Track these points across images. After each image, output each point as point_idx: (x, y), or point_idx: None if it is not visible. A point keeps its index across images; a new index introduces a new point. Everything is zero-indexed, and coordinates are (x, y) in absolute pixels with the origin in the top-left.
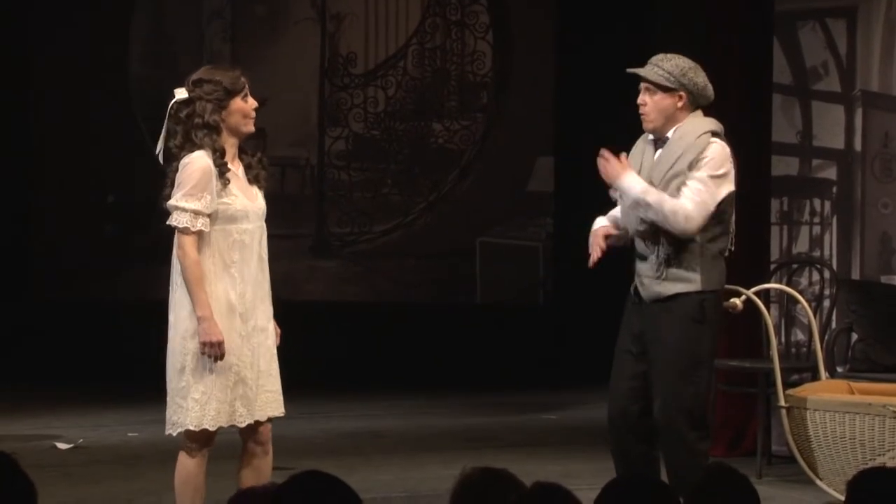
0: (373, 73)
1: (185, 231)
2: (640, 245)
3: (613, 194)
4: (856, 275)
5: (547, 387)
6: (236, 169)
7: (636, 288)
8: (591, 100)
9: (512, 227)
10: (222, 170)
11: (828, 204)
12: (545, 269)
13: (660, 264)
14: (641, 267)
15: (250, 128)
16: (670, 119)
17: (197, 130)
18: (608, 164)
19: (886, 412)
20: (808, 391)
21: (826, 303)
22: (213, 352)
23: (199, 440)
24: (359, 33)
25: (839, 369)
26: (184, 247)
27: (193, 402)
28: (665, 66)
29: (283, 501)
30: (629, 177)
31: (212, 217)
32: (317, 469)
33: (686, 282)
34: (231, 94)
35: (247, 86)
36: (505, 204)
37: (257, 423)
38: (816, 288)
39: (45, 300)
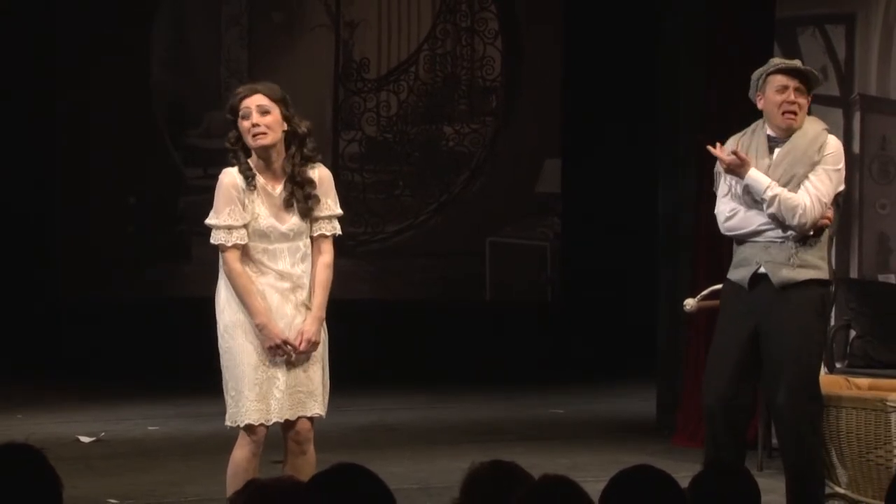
0: (385, 78)
1: (222, 248)
2: (769, 233)
3: (721, 188)
4: (854, 273)
5: (554, 382)
6: (273, 189)
7: (753, 275)
8: (596, 103)
9: (520, 227)
10: (249, 185)
11: None
12: (553, 268)
13: (792, 250)
14: (768, 252)
15: (255, 143)
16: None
17: (227, 150)
18: (735, 159)
19: (883, 407)
20: None
21: None
22: (278, 353)
23: (244, 434)
24: (372, 39)
25: (838, 365)
26: (227, 262)
27: (230, 399)
28: (810, 69)
29: (316, 491)
30: (755, 171)
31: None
32: (351, 462)
33: (816, 269)
34: (234, 116)
35: (247, 107)
36: (514, 205)
37: (291, 422)
38: None
39: (69, 297)
